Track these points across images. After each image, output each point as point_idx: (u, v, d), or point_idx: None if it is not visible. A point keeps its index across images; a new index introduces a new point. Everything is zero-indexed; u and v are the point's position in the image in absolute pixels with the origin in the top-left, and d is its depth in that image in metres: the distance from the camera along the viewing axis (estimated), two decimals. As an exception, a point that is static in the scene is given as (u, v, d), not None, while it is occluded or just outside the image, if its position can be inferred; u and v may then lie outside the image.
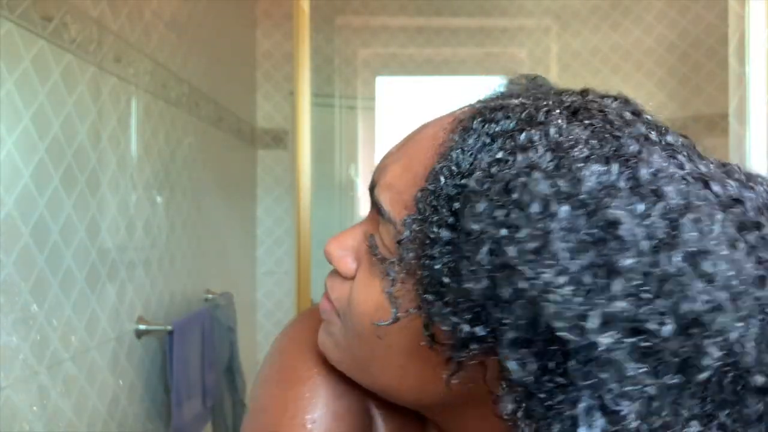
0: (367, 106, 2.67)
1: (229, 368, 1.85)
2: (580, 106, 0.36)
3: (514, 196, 0.31)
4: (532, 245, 0.29)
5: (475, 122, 0.37)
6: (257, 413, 0.46)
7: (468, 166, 0.35)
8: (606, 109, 0.36)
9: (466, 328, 0.32)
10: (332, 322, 0.43)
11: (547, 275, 0.28)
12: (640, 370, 0.28)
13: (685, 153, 0.35)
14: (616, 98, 0.40)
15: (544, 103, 0.37)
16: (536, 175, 0.31)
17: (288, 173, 2.57)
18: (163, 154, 1.52)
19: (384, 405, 0.46)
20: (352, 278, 0.42)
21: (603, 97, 0.40)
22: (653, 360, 0.28)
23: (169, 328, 1.41)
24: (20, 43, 0.94)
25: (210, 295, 1.84)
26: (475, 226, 0.31)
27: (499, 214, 0.31)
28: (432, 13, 2.65)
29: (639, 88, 2.41)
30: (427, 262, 0.34)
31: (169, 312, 1.54)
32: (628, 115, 0.37)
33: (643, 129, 0.35)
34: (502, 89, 0.45)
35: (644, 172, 0.31)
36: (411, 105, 2.73)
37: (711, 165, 0.35)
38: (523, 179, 0.31)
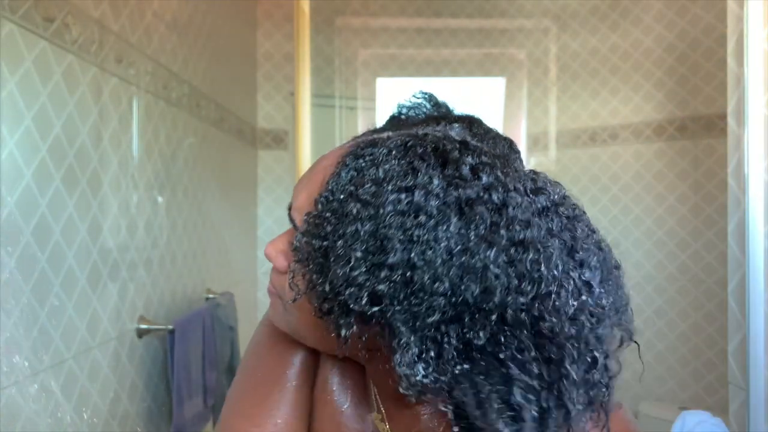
0: (367, 107, 2.68)
1: (230, 367, 1.86)
2: (411, 145, 0.48)
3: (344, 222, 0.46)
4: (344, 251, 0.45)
5: (348, 159, 0.49)
6: (249, 359, 0.68)
7: (339, 194, 0.48)
8: (428, 146, 0.47)
9: (325, 305, 0.47)
10: (276, 303, 0.59)
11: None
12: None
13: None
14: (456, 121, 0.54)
15: (393, 142, 0.48)
16: (357, 207, 0.45)
17: (288, 173, 2.58)
18: (164, 155, 1.53)
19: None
20: (286, 272, 0.56)
21: (449, 122, 0.53)
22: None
23: (170, 327, 1.42)
24: (22, 43, 0.94)
25: (211, 295, 1.84)
26: (320, 242, 0.48)
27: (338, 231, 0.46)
28: (432, 14, 2.65)
29: (638, 89, 2.42)
30: (309, 264, 0.49)
31: (170, 311, 1.55)
32: (447, 146, 0.47)
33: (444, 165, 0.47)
34: (398, 110, 0.60)
35: (419, 198, 0.43)
36: (411, 105, 2.73)
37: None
38: (350, 207, 0.46)
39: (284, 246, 0.56)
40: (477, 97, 2.75)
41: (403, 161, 0.46)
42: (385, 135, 0.51)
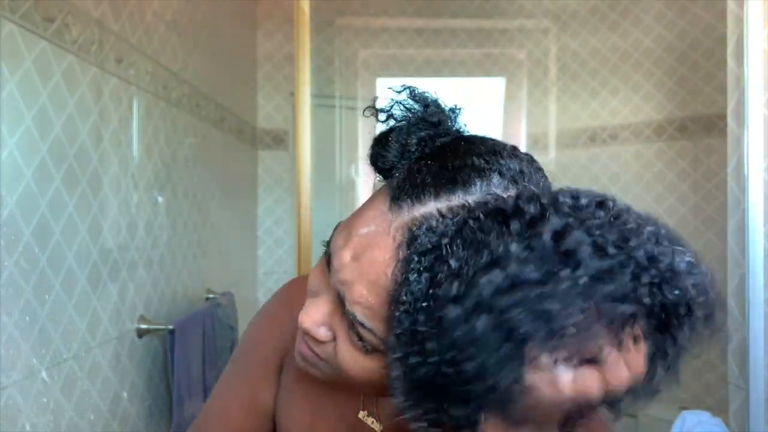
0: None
1: (229, 368, 1.86)
2: (465, 228, 0.43)
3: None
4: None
5: (413, 263, 0.44)
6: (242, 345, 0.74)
7: (417, 304, 0.43)
8: (485, 227, 0.43)
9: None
10: (318, 364, 0.55)
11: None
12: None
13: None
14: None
15: (456, 245, 0.43)
16: (451, 310, 0.40)
17: (288, 174, 2.58)
18: (165, 155, 1.53)
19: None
20: (328, 341, 0.53)
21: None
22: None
23: (171, 327, 1.42)
24: (22, 43, 0.95)
25: (211, 295, 1.85)
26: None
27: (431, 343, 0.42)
28: (432, 14, 2.65)
29: (637, 89, 2.42)
30: (404, 365, 0.45)
31: (171, 311, 1.55)
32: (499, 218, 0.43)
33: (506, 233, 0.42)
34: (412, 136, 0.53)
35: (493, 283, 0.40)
36: (411, 106, 2.74)
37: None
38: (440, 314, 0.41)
39: (323, 316, 0.52)
40: (477, 97, 2.75)
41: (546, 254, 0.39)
42: (433, 210, 0.46)
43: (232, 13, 2.24)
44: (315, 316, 0.52)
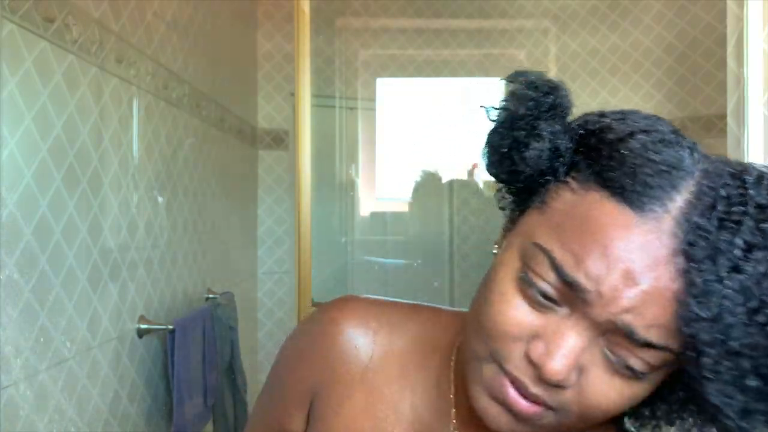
0: (367, 107, 2.68)
1: (230, 367, 1.86)
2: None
3: None
4: None
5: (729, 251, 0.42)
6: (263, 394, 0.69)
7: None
8: None
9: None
10: (537, 419, 0.48)
11: None
12: None
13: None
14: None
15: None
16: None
17: (289, 174, 2.58)
18: (165, 155, 1.53)
19: None
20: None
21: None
22: None
23: (171, 327, 1.42)
24: (22, 43, 0.95)
25: (211, 295, 1.85)
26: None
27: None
28: (431, 14, 2.65)
29: (637, 89, 2.42)
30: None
31: (171, 311, 1.55)
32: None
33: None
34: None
35: None
36: (411, 106, 2.74)
37: None
38: None
39: (576, 359, 0.46)
40: (477, 97, 2.75)
41: None
42: (684, 202, 0.43)
43: (232, 13, 2.24)
44: (570, 362, 0.46)
